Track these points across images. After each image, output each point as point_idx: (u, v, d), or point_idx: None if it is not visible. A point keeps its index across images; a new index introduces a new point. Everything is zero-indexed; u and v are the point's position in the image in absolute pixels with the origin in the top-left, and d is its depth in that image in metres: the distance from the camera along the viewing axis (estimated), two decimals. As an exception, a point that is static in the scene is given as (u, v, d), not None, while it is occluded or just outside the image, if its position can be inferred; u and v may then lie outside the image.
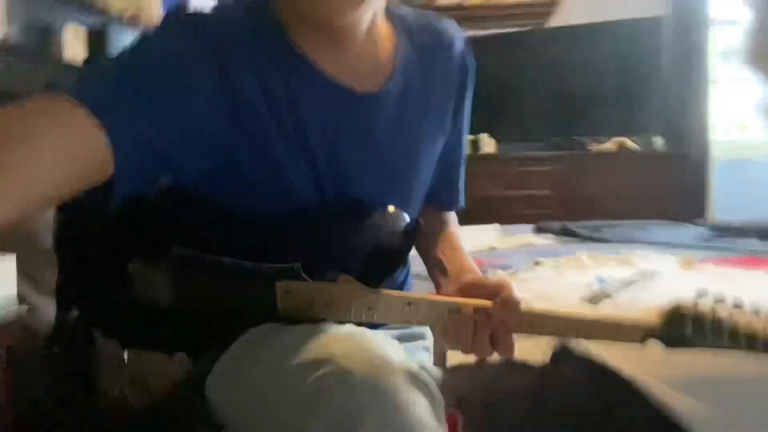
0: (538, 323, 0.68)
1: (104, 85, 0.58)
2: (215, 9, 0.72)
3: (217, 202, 0.72)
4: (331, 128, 0.71)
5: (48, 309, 1.06)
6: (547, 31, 3.88)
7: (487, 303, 0.67)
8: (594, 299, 1.34)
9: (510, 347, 0.68)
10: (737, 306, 0.67)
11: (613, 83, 3.54)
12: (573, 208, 3.38)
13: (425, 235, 0.90)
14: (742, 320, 0.66)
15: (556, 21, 3.91)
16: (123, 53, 0.63)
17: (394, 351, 0.62)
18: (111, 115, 0.54)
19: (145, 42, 0.66)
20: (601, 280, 1.46)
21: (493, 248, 2.02)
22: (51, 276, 1.11)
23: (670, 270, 1.57)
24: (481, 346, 0.67)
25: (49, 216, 1.21)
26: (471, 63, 0.85)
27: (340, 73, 0.72)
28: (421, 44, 0.80)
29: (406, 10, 0.82)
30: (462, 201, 0.94)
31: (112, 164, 0.55)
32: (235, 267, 0.68)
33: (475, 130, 3.42)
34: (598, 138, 3.55)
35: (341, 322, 0.67)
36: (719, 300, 0.67)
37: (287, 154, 0.69)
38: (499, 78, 3.51)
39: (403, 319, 0.69)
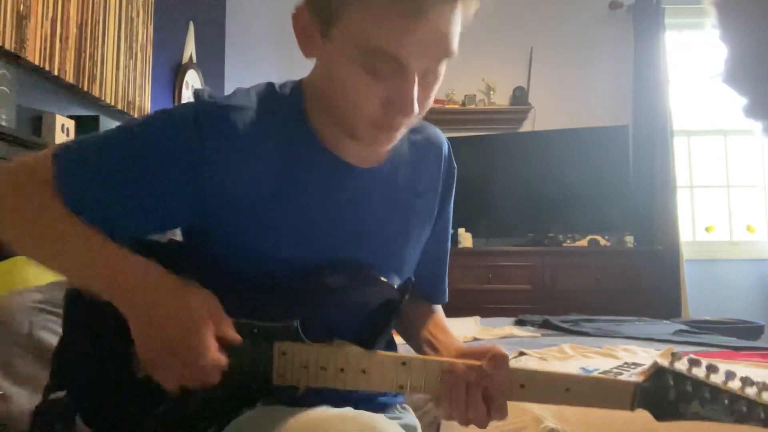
0: (529, 384, 0.69)
1: (92, 182, 0.69)
2: (246, 92, 0.77)
3: (224, 262, 0.74)
4: (333, 198, 0.77)
5: (20, 398, 1.02)
6: (522, 135, 4.10)
7: (477, 363, 0.69)
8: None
9: (503, 410, 0.69)
10: (711, 369, 0.68)
11: (585, 185, 3.71)
12: (551, 302, 3.41)
13: (414, 321, 0.92)
14: (719, 380, 0.68)
15: (526, 127, 4.15)
16: (129, 132, 0.72)
17: (392, 427, 0.62)
18: (85, 210, 0.67)
19: (154, 127, 0.72)
20: (587, 372, 1.45)
21: (476, 339, 2.01)
22: (25, 365, 1.07)
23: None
24: (475, 405, 0.68)
25: (23, 304, 1.19)
26: (454, 166, 0.93)
27: (344, 152, 0.78)
28: (414, 141, 0.87)
29: None
30: (446, 296, 0.99)
31: None
32: (236, 326, 0.68)
33: (453, 225, 3.50)
34: (572, 236, 3.66)
35: (337, 404, 0.67)
36: (694, 363, 0.69)
37: (291, 221, 0.74)
38: (476, 177, 3.65)
39: (398, 383, 0.69)
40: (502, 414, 0.69)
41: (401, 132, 0.73)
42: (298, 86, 0.80)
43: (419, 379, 0.69)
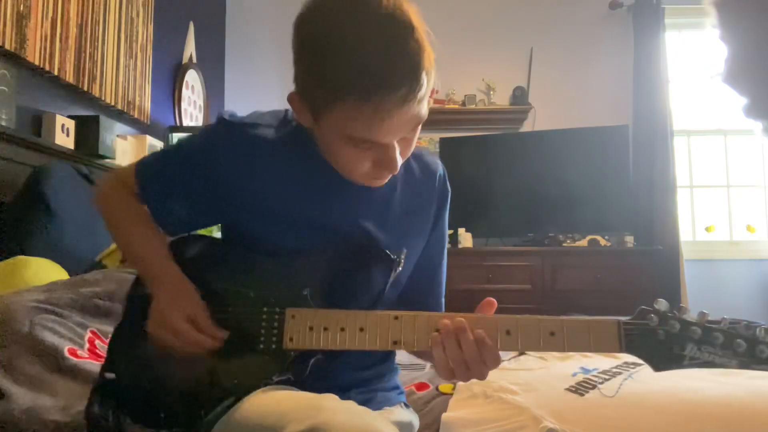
0: (514, 330, 0.74)
1: (154, 179, 0.94)
2: (261, 113, 0.94)
3: (247, 247, 0.90)
4: (326, 203, 0.89)
5: (20, 398, 1.01)
6: (522, 135, 4.10)
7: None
8: (580, 390, 1.33)
9: (495, 355, 0.74)
10: (702, 315, 0.68)
11: (585, 185, 3.71)
12: (552, 302, 3.41)
13: None
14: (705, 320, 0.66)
15: (526, 127, 4.16)
16: (178, 145, 0.95)
17: (389, 428, 0.63)
18: (154, 202, 0.94)
19: (191, 142, 0.94)
20: (586, 371, 1.45)
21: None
22: (25, 365, 1.07)
23: (653, 362, 1.56)
24: (469, 349, 0.73)
25: (24, 304, 1.19)
26: (449, 189, 1.02)
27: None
28: (412, 167, 0.98)
29: None
30: (443, 309, 1.05)
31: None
32: (255, 295, 0.83)
33: (453, 225, 3.51)
34: (572, 236, 3.66)
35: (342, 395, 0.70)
36: (683, 311, 0.69)
37: (290, 218, 0.87)
38: (476, 177, 3.65)
39: (392, 339, 0.76)
40: (495, 358, 0.74)
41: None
42: None
43: (411, 332, 0.76)
